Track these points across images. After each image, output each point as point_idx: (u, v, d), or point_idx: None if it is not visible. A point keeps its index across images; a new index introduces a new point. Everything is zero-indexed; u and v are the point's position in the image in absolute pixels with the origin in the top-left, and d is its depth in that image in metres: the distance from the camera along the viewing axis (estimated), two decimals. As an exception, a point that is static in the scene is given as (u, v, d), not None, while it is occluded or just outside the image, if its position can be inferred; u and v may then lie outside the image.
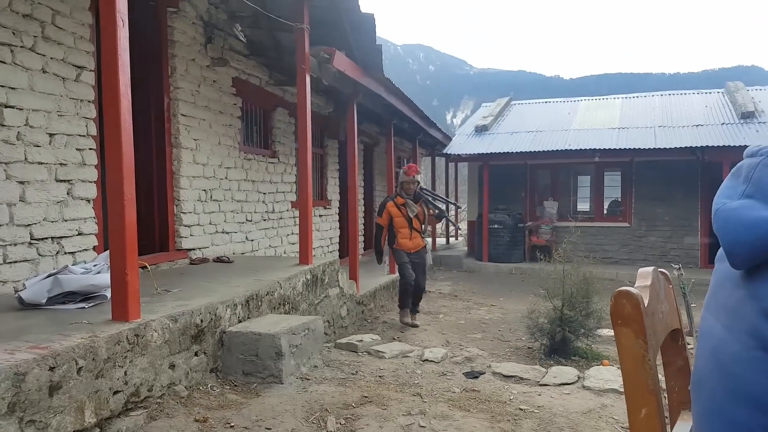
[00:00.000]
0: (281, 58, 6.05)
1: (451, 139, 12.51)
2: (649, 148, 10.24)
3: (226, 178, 5.59)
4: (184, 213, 4.87)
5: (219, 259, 4.95)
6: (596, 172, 11.77)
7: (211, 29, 5.29)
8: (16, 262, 3.29)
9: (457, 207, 6.56)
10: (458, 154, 11.76)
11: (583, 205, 12.36)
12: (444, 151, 12.07)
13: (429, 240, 7.60)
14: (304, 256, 4.73)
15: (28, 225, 3.35)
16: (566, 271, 5.00)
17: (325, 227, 8.40)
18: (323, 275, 4.86)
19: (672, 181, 10.88)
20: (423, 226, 6.05)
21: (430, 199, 6.20)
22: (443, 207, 7.04)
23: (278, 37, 5.64)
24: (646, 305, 0.96)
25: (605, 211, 11.85)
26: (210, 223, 5.29)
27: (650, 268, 1.07)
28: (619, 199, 11.77)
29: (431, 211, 6.12)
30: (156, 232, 4.73)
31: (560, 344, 4.85)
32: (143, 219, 4.27)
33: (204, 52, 5.22)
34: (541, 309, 5.00)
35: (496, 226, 11.28)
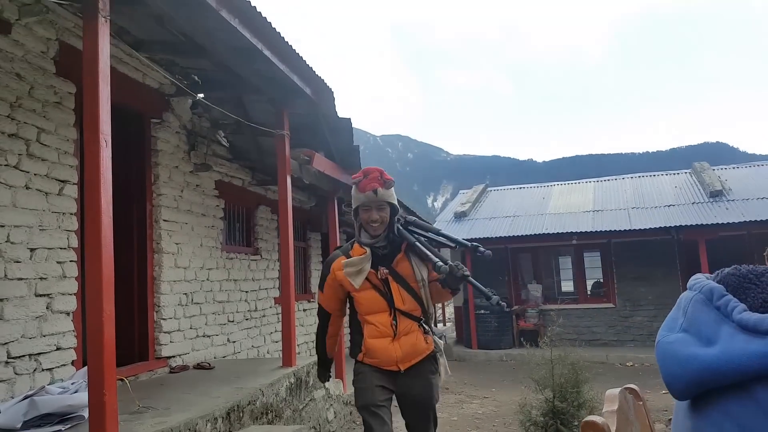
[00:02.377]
0: (263, 160, 6.27)
1: (432, 225, 12.74)
2: (625, 230, 10.52)
3: (207, 279, 5.56)
4: (164, 319, 4.78)
5: (200, 366, 4.81)
6: (576, 254, 11.95)
7: (195, 137, 5.49)
8: (-10, 383, 3.16)
9: (484, 253, 2.48)
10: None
11: (567, 286, 12.42)
12: (426, 239, 12.24)
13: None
14: (288, 357, 4.63)
15: (5, 343, 3.25)
16: (555, 359, 4.94)
17: (310, 322, 8.26)
18: (308, 377, 4.73)
19: (651, 261, 11.05)
20: (425, 302, 2.69)
21: (423, 244, 2.64)
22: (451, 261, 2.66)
23: (260, 142, 5.88)
24: (614, 432, 0.99)
25: (589, 293, 11.90)
26: (191, 328, 5.19)
27: (617, 390, 1.10)
28: (601, 280, 11.86)
29: (431, 268, 2.59)
30: (135, 340, 4.62)
31: (555, 438, 4.70)
32: (123, 328, 4.19)
33: (187, 159, 5.38)
34: (533, 402, 4.88)
35: (482, 311, 11.22)
